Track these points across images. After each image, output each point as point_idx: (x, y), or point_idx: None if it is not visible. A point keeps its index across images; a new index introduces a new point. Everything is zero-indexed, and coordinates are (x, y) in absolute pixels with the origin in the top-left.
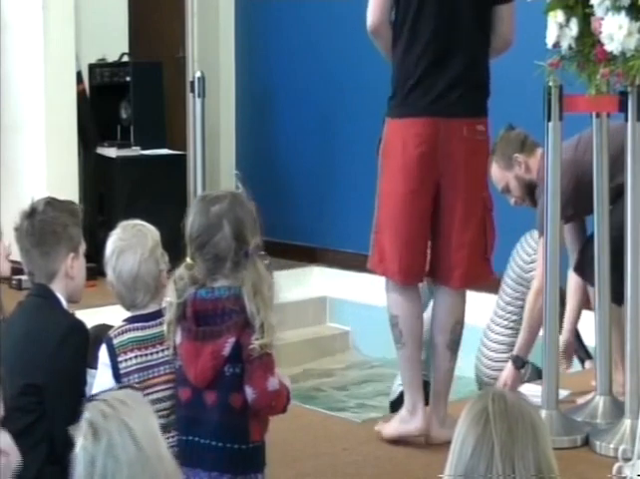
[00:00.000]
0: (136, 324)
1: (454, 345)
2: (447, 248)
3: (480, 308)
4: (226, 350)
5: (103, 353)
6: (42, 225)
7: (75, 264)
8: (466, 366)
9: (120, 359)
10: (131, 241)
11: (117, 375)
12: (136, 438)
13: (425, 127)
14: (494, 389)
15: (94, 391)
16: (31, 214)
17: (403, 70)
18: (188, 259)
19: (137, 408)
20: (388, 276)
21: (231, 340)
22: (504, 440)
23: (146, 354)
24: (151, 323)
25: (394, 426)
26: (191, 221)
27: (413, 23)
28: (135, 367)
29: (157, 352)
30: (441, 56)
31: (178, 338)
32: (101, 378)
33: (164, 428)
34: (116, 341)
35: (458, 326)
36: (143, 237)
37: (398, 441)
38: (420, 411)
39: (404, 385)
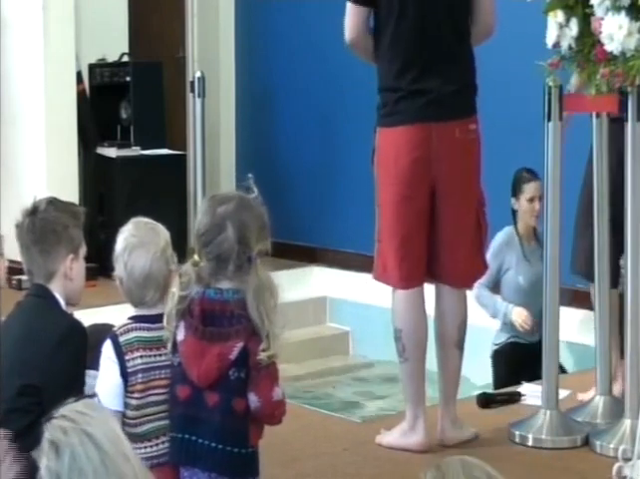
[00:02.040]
0: (141, 324)
1: (461, 344)
2: (445, 250)
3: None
4: (234, 354)
5: (108, 349)
6: (43, 223)
7: (74, 266)
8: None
9: (127, 358)
10: (143, 239)
11: (124, 373)
12: (98, 443)
13: (417, 133)
14: None
15: (99, 385)
16: (33, 212)
17: (390, 80)
18: (196, 257)
19: (96, 415)
20: (391, 285)
21: (239, 345)
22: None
23: (149, 356)
24: (156, 325)
25: (394, 437)
26: (199, 219)
27: (395, 34)
28: (140, 367)
29: (160, 355)
30: (427, 63)
31: (181, 335)
32: (107, 374)
33: (163, 431)
34: (122, 339)
35: (463, 324)
36: (155, 235)
37: None
38: (421, 426)
39: (405, 399)
